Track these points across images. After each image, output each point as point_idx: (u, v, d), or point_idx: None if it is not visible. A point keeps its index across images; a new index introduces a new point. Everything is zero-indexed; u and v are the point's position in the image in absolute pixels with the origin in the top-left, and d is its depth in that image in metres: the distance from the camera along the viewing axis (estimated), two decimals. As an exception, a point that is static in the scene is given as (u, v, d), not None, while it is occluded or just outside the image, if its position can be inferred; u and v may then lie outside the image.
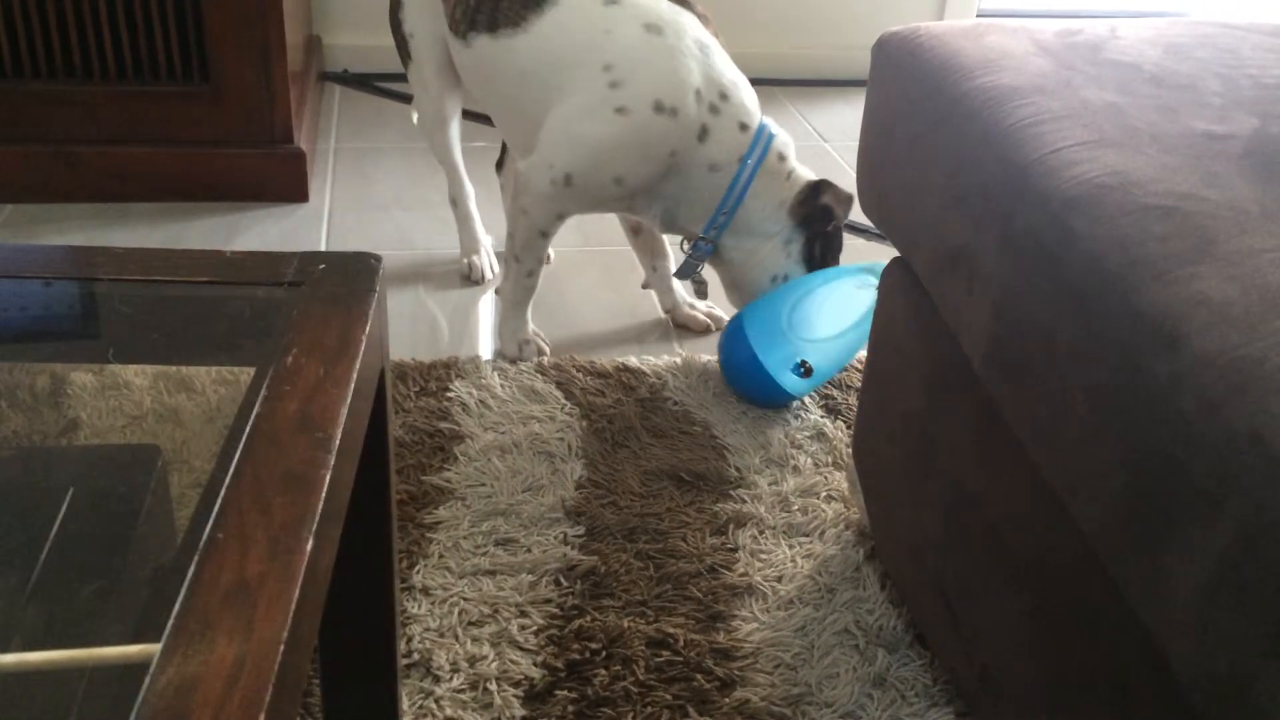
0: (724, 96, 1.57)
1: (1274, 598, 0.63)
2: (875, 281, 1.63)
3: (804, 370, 1.60)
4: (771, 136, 1.62)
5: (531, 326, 1.74)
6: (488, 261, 1.94)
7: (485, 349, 1.75)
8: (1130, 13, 3.25)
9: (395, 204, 2.17)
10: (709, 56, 1.57)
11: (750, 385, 1.63)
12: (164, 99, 2.02)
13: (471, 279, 1.92)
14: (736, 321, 1.65)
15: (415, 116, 2.05)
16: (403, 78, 2.68)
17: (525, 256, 1.67)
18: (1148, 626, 0.76)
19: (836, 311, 1.66)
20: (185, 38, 1.98)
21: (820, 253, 1.67)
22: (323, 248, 2.00)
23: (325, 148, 2.37)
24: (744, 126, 1.58)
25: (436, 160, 1.90)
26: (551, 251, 2.01)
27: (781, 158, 1.63)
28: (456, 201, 1.91)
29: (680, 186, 1.60)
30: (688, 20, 1.58)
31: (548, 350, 1.73)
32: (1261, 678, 0.64)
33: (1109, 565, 0.80)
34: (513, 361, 1.69)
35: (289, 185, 2.12)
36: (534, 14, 1.58)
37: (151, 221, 2.03)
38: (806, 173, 1.65)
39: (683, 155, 1.57)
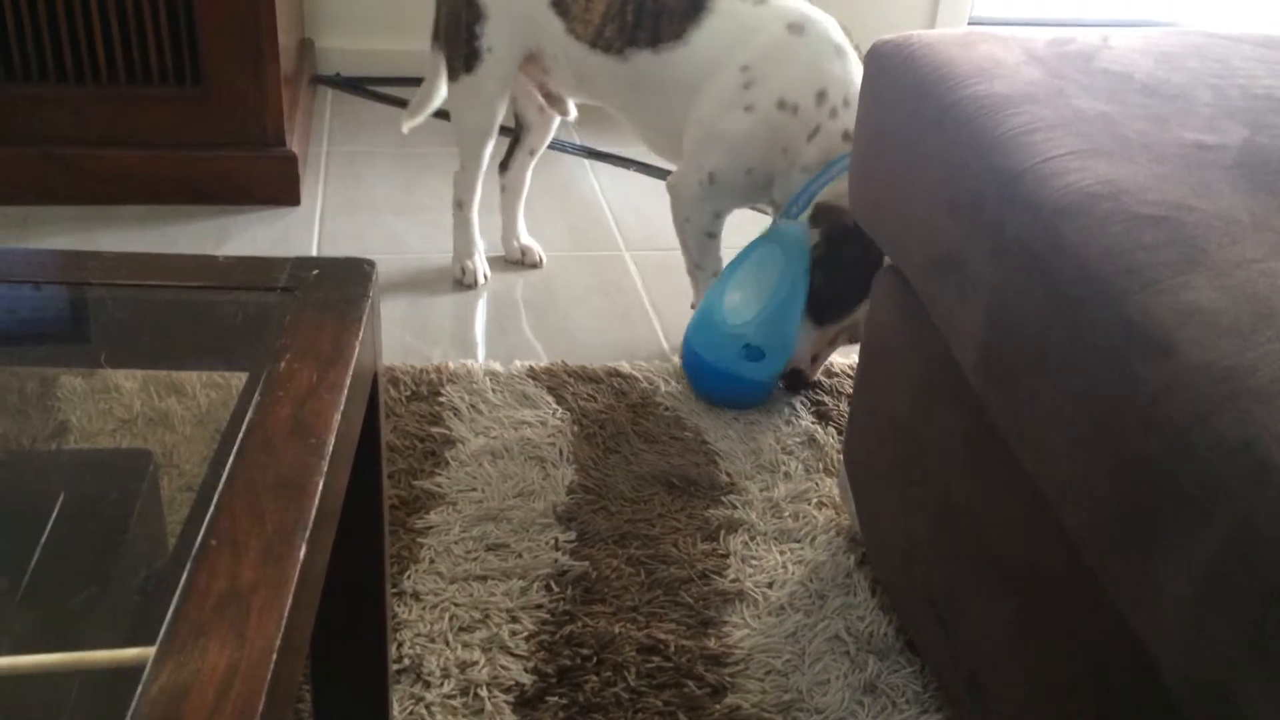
0: (846, 103, 1.60)
1: (1261, 605, 0.64)
2: (778, 246, 1.63)
3: (757, 352, 1.61)
4: None
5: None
6: (482, 267, 1.94)
7: (477, 353, 1.75)
8: (1121, 22, 3.26)
9: (387, 208, 2.17)
10: (844, 62, 1.61)
11: (724, 392, 1.63)
12: (155, 101, 2.01)
13: (464, 283, 1.92)
14: (686, 339, 1.67)
15: (406, 126, 2.03)
16: (394, 82, 2.70)
17: (705, 262, 1.75)
18: (1136, 633, 0.76)
19: (757, 287, 1.65)
20: (177, 40, 1.98)
21: (831, 255, 1.63)
22: (314, 251, 2.00)
23: (317, 151, 2.37)
24: (847, 135, 1.60)
25: (460, 163, 1.88)
26: (543, 254, 2.01)
27: None
28: (463, 204, 1.91)
29: (781, 177, 1.65)
30: (831, 23, 1.63)
31: None
32: (1248, 684, 0.65)
33: (1097, 572, 0.80)
34: None
35: (280, 188, 2.11)
36: (693, 26, 1.64)
37: (142, 224, 2.02)
38: None
39: (791, 151, 1.62)
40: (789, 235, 1.63)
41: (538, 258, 2.01)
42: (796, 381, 1.69)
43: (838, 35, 1.62)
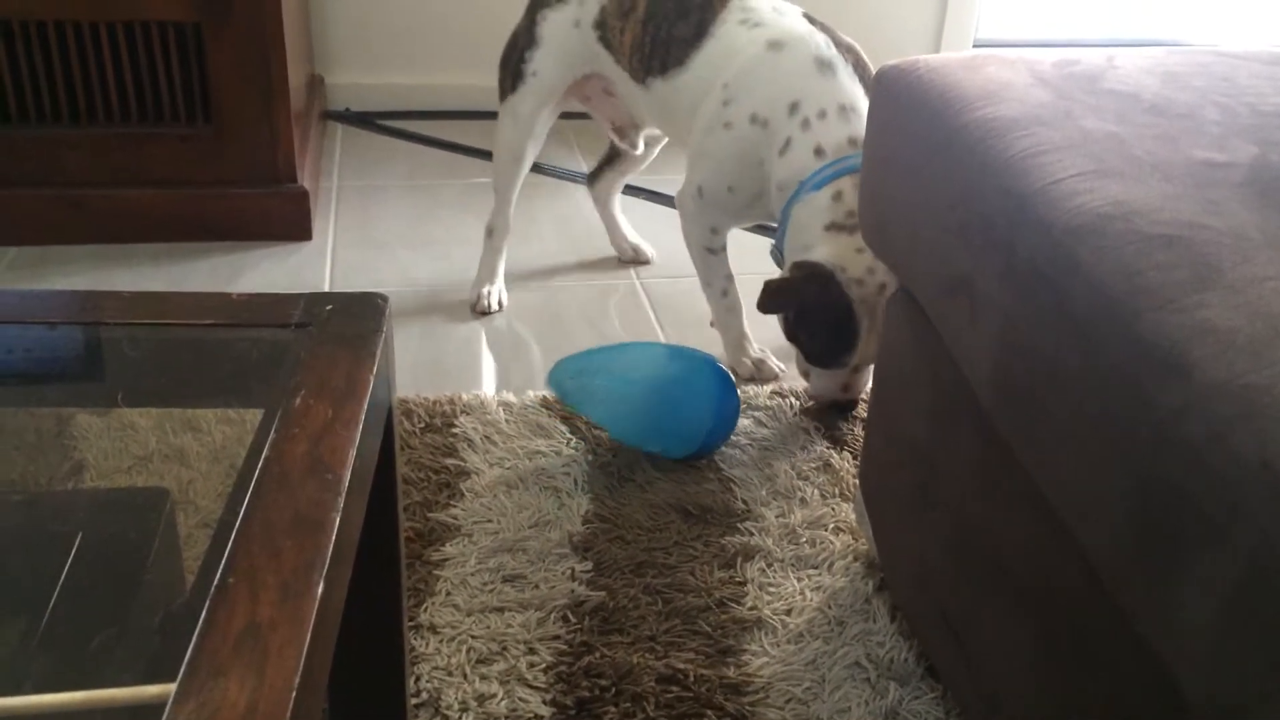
0: (821, 115, 1.56)
1: (1286, 626, 0.63)
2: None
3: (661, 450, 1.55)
4: (838, 174, 1.54)
5: (758, 345, 1.79)
6: (498, 297, 1.95)
7: (489, 384, 1.75)
8: (1126, 41, 3.27)
9: (398, 242, 2.18)
10: (827, 75, 1.58)
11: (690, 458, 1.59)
12: (168, 141, 2.03)
13: (477, 309, 1.93)
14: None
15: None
16: (404, 116, 2.72)
17: (711, 278, 1.78)
18: (1156, 654, 0.75)
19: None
20: (189, 79, 2.00)
21: (800, 326, 1.58)
22: (326, 286, 2.01)
23: (328, 186, 2.38)
24: (819, 151, 1.55)
25: (493, 188, 1.92)
26: (653, 252, 2.10)
27: (837, 197, 1.54)
28: (493, 232, 1.95)
29: (766, 195, 1.66)
30: (817, 40, 1.60)
31: (781, 370, 1.77)
32: (1271, 705, 0.64)
33: (1116, 593, 0.79)
34: (749, 380, 1.76)
35: (292, 224, 2.12)
36: (694, 51, 1.67)
37: (155, 262, 2.04)
38: (850, 242, 1.52)
39: (767, 166, 1.62)
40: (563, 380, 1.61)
41: (648, 255, 2.09)
42: (840, 409, 1.68)
43: (823, 50, 1.59)
